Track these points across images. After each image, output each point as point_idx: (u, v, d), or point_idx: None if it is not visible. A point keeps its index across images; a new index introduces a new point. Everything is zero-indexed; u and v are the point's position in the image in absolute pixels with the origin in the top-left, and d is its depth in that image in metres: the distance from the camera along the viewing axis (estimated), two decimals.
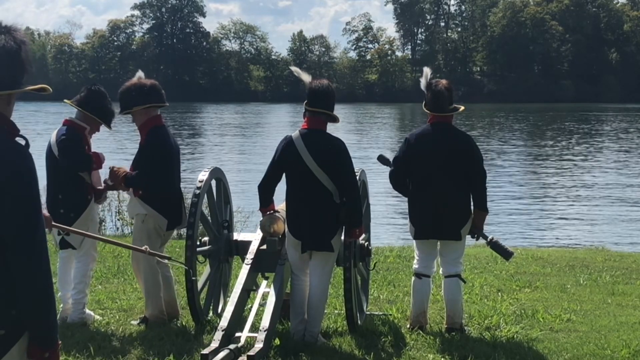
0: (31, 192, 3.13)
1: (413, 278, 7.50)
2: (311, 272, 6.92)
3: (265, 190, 6.98)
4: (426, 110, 7.45)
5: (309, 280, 6.93)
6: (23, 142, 3.19)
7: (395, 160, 7.53)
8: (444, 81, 7.49)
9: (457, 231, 7.33)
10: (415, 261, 7.56)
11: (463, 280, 7.54)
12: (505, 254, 7.55)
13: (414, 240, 7.59)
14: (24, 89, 3.16)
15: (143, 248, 6.88)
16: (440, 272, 7.51)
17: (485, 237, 7.50)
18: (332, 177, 6.72)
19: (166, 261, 7.33)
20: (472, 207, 7.43)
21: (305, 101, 6.85)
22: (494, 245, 7.53)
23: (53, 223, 6.39)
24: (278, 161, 6.86)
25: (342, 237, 6.94)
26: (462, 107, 7.57)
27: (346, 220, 6.81)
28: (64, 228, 6.94)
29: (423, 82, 7.50)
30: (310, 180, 6.73)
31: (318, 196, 6.73)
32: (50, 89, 3.24)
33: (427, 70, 7.59)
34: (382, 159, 7.82)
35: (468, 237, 7.54)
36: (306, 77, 6.96)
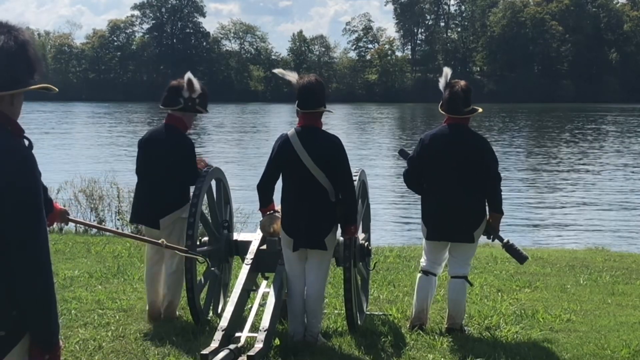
0: (33, 194, 3.12)
1: (419, 274, 7.47)
2: (307, 272, 6.91)
3: (265, 190, 6.97)
4: (442, 112, 7.41)
5: (306, 280, 6.91)
6: (27, 143, 3.18)
7: (409, 160, 7.49)
8: (462, 82, 7.39)
9: (470, 234, 7.28)
10: (423, 259, 7.52)
11: (470, 283, 7.52)
12: (520, 257, 7.51)
13: (424, 240, 7.56)
14: (25, 89, 3.15)
15: (160, 241, 6.80)
16: (447, 271, 7.49)
17: (501, 239, 7.45)
18: (329, 174, 6.70)
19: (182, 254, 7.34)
20: (485, 210, 7.38)
21: (297, 102, 6.84)
22: (509, 248, 7.49)
23: (70, 217, 6.43)
24: (275, 160, 6.85)
25: (337, 237, 6.93)
26: (480, 109, 7.48)
27: (341, 218, 6.81)
28: (82, 222, 6.95)
29: (442, 82, 7.41)
30: (306, 178, 6.71)
31: (314, 194, 6.72)
32: (56, 89, 3.23)
33: (447, 71, 7.48)
34: (402, 153, 7.77)
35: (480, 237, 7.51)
36: (292, 77, 6.92)
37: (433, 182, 7.33)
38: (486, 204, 7.36)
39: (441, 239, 7.36)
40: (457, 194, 7.21)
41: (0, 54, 3.07)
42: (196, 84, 7.55)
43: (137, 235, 7.02)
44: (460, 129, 7.30)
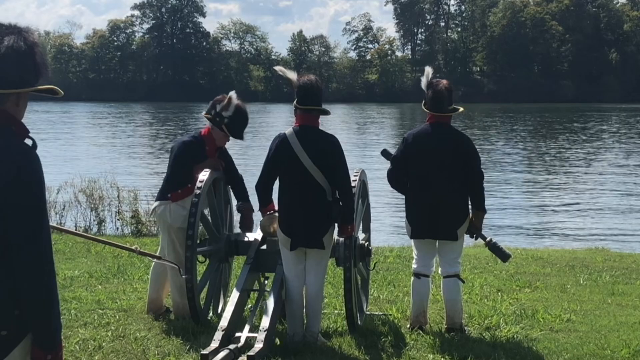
0: (37, 194, 3.12)
1: (412, 278, 7.51)
2: (306, 272, 6.90)
3: (263, 190, 6.97)
4: (425, 110, 7.46)
5: (306, 280, 6.91)
6: (30, 143, 3.18)
7: (393, 159, 7.54)
8: (444, 81, 7.50)
9: (454, 231, 7.33)
10: (414, 261, 7.57)
11: (462, 280, 7.54)
12: (503, 255, 7.56)
13: (412, 240, 7.60)
14: (30, 89, 3.15)
15: (133, 247, 6.92)
16: (440, 272, 7.52)
17: (483, 238, 7.51)
18: (326, 173, 6.71)
19: (156, 260, 7.47)
20: (469, 208, 7.43)
21: (295, 100, 6.85)
22: (492, 247, 7.54)
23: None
24: (272, 159, 6.85)
25: (334, 236, 6.94)
26: (462, 109, 7.59)
27: (338, 218, 6.81)
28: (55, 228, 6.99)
29: (424, 81, 7.50)
30: (304, 178, 6.72)
31: (311, 193, 6.73)
32: (61, 92, 3.23)
33: (428, 70, 7.59)
34: (385, 153, 7.82)
35: (467, 237, 7.54)
36: (292, 75, 6.96)
37: (416, 180, 7.38)
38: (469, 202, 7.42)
39: (425, 236, 7.39)
40: (441, 192, 7.26)
41: (10, 53, 3.08)
42: (233, 103, 7.56)
43: (111, 241, 7.08)
44: (443, 127, 7.38)
